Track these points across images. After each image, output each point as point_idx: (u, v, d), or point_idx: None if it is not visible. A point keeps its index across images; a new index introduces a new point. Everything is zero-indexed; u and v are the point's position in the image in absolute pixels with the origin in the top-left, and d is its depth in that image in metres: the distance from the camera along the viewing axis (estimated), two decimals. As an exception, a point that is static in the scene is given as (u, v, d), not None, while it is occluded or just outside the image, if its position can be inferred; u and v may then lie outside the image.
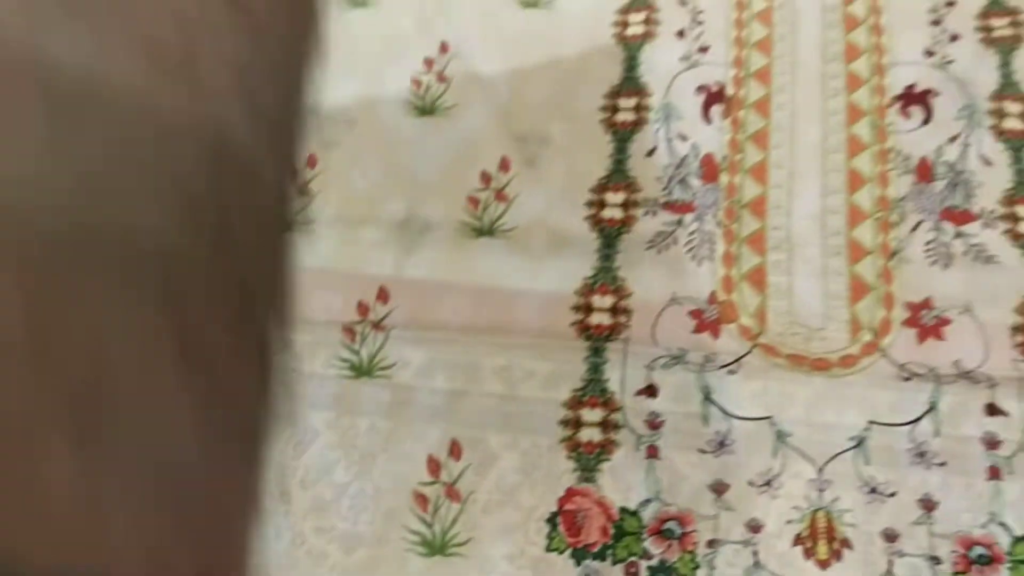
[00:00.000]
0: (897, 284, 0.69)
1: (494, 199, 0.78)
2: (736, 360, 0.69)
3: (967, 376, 0.66)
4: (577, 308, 0.73)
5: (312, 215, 0.78)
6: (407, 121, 0.80)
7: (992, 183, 0.71)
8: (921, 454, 0.65)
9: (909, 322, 0.68)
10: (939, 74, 0.75)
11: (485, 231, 0.76)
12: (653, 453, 0.67)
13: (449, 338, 0.72)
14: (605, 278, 0.74)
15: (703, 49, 0.79)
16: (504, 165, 0.79)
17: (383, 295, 0.74)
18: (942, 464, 0.64)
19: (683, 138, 0.76)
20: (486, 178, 0.79)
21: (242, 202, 0.22)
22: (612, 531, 0.65)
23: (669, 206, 0.75)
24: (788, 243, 0.71)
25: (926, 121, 0.74)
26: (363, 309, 0.74)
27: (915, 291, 0.69)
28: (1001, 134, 0.72)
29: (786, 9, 0.79)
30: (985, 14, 0.76)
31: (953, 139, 0.73)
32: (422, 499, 0.67)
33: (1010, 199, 0.70)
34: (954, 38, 0.76)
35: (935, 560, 0.62)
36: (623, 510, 0.65)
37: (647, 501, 0.66)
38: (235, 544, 0.21)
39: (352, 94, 0.81)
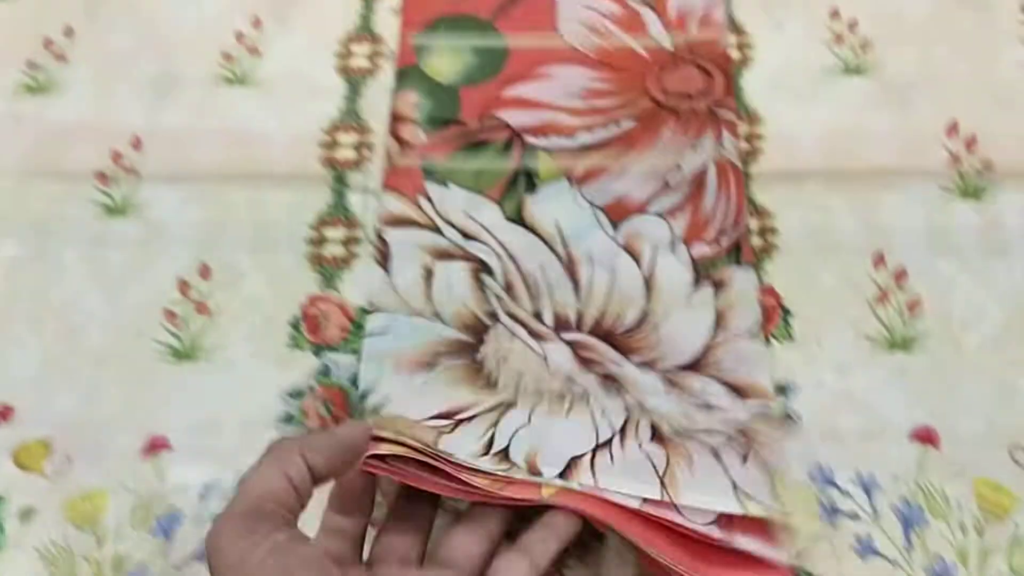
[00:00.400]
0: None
1: (247, 54, 0.81)
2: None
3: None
4: (323, 145, 0.77)
5: (66, 79, 0.80)
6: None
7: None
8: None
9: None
10: None
11: (237, 81, 0.80)
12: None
13: (202, 177, 0.75)
14: (350, 119, 0.78)
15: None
16: (256, 23, 0.83)
17: (136, 143, 0.77)
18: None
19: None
20: (239, 36, 0.82)
21: None
22: (350, 327, 0.69)
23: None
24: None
25: None
26: (117, 157, 0.76)
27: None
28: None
29: None
30: None
31: None
32: (172, 315, 0.69)
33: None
34: None
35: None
36: (360, 309, 0.69)
37: (383, 300, 0.72)
38: None
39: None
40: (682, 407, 0.64)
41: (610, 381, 0.66)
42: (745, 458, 0.60)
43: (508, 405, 0.64)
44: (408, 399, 0.65)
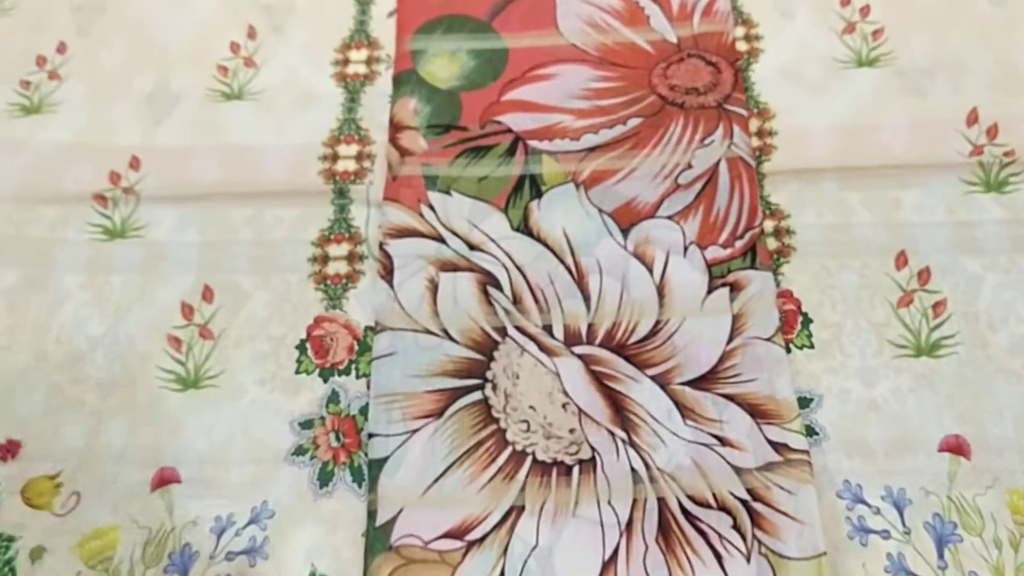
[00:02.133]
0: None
1: (243, 66, 0.75)
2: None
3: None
4: (324, 158, 0.70)
5: (60, 98, 0.73)
6: (155, 1, 0.80)
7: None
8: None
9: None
10: None
11: (234, 96, 0.74)
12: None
13: (200, 195, 0.69)
14: (350, 129, 0.72)
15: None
16: (251, 33, 0.76)
17: (134, 163, 0.71)
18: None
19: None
20: (235, 47, 0.76)
21: None
22: (357, 348, 0.63)
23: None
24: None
25: None
26: (115, 177, 0.70)
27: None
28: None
29: None
30: None
31: None
32: (175, 341, 0.64)
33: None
34: None
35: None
36: (367, 328, 0.64)
37: (389, 318, 0.66)
38: None
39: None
40: (694, 449, 0.60)
41: (619, 420, 0.62)
42: (748, 556, 0.56)
43: (518, 511, 0.59)
44: (417, 468, 0.61)
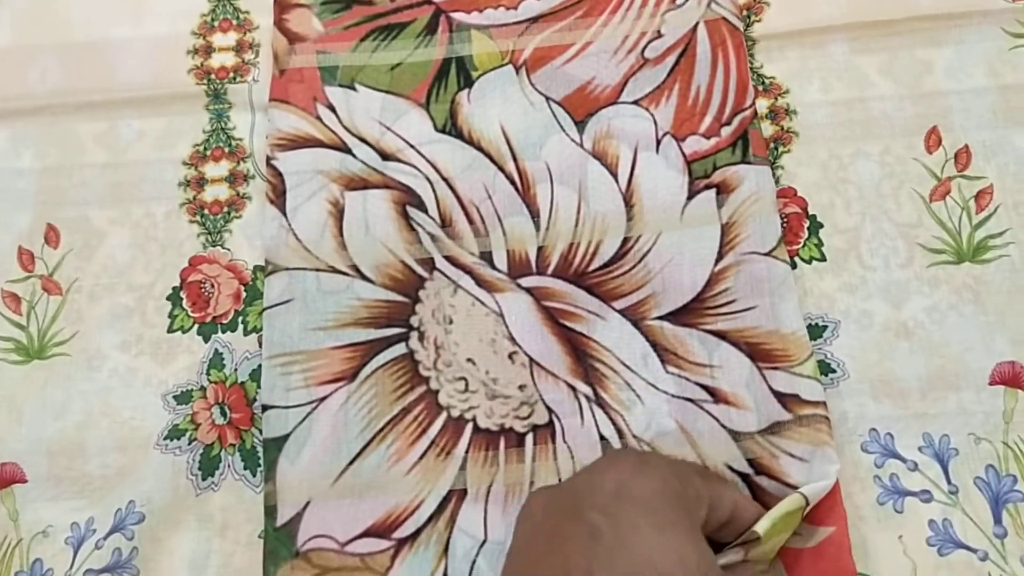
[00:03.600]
0: None
1: (84, -62, 0.59)
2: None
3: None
4: (194, 51, 0.55)
5: None
6: None
7: None
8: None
9: None
10: None
11: (76, -23, 0.58)
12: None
13: (37, 108, 0.54)
14: (225, 12, 0.57)
15: None
16: None
17: (-48, 71, 0.55)
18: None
19: None
20: (71, -87, 0.59)
21: None
22: (244, 295, 0.49)
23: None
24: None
25: None
26: (-73, 91, 0.55)
27: None
28: None
29: None
30: None
31: None
32: (12, 298, 0.49)
33: None
34: None
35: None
36: (257, 269, 0.49)
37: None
38: None
39: None
40: (679, 406, 0.48)
41: (582, 371, 0.50)
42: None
43: (459, 496, 0.48)
44: (326, 448, 0.49)
